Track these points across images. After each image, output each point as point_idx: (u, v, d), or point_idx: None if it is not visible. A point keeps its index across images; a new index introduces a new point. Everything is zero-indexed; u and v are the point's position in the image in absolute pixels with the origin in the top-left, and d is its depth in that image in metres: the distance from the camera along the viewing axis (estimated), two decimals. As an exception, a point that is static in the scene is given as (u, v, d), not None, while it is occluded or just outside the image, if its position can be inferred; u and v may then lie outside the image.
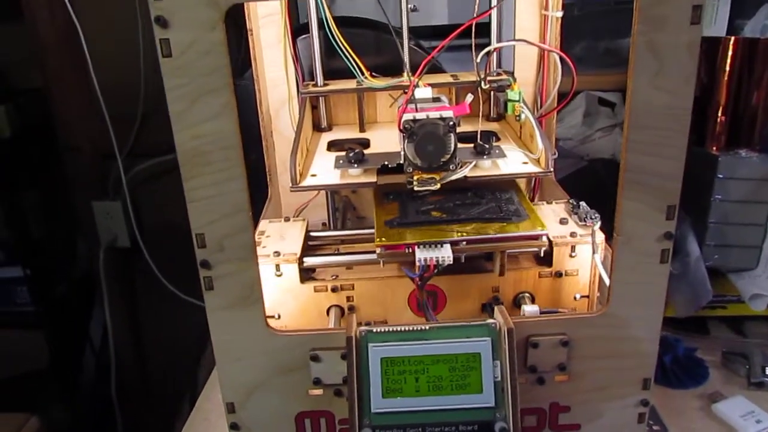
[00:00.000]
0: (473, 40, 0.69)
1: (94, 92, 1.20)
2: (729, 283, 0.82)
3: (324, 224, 0.82)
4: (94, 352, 1.48)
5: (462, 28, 0.64)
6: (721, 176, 0.79)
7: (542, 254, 0.62)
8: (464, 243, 0.57)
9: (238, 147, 0.48)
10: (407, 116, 0.58)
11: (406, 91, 0.65)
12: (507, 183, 0.66)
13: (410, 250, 0.56)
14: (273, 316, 0.62)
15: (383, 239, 0.57)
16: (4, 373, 1.37)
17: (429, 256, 0.55)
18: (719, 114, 0.82)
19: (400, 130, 0.58)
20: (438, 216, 0.60)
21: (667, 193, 0.50)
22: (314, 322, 0.62)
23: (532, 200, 0.80)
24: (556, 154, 0.80)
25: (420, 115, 0.58)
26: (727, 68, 0.80)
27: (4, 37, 1.24)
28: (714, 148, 0.83)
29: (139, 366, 1.48)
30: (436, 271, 0.55)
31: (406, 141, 0.59)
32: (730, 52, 0.80)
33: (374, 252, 0.58)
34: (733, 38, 0.80)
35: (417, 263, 0.55)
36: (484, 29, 0.74)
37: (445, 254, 0.55)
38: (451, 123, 0.59)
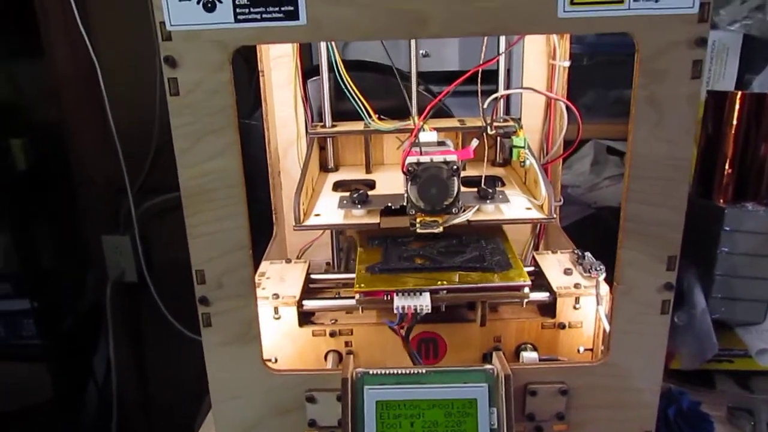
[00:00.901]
0: (479, 86, 0.70)
1: (109, 128, 1.22)
2: (736, 337, 0.81)
3: (328, 263, 0.82)
4: (97, 386, 1.47)
5: (468, 74, 0.65)
6: (727, 229, 0.79)
7: (546, 305, 0.61)
8: (444, 292, 0.57)
9: (241, 185, 0.49)
10: (411, 159, 0.59)
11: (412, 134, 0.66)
12: (494, 230, 0.66)
13: (389, 297, 0.56)
14: (270, 360, 0.61)
15: (362, 285, 0.57)
16: (7, 406, 1.37)
17: (407, 303, 0.54)
18: (726, 167, 0.82)
19: (404, 173, 0.59)
20: (420, 263, 0.60)
21: (667, 243, 0.50)
22: (311, 367, 0.61)
23: (537, 247, 0.79)
24: (562, 201, 0.80)
25: (424, 158, 0.59)
26: (735, 122, 0.80)
27: (24, 72, 1.27)
28: (721, 201, 0.82)
29: (141, 403, 1.47)
30: (415, 320, 0.55)
31: (409, 183, 0.59)
32: (737, 107, 0.80)
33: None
34: (740, 93, 0.80)
35: (395, 311, 0.55)
36: (492, 76, 0.76)
37: (423, 303, 0.54)
38: (455, 167, 0.59)
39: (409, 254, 0.62)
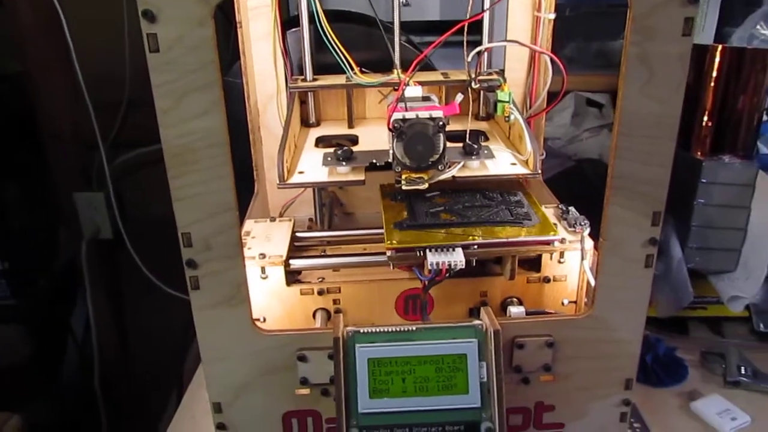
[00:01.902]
0: (465, 38, 0.69)
1: (77, 80, 1.18)
2: (709, 285, 0.84)
3: (311, 220, 0.81)
4: (77, 345, 1.46)
5: (456, 28, 0.64)
6: (704, 181, 0.80)
7: (531, 259, 0.62)
8: (476, 247, 0.56)
9: (226, 145, 0.47)
10: (397, 115, 0.58)
11: (396, 88, 0.65)
12: (514, 184, 0.66)
13: (421, 254, 0.55)
14: (258, 320, 0.61)
15: (394, 242, 0.56)
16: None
17: (441, 260, 0.54)
18: (705, 119, 0.83)
19: (389, 130, 0.58)
20: (448, 219, 0.60)
21: (653, 199, 0.51)
22: (300, 326, 0.62)
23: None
24: (545, 154, 0.80)
25: (410, 115, 0.58)
26: (714, 75, 0.81)
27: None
28: (699, 153, 0.83)
29: (123, 359, 1.47)
30: (448, 275, 0.55)
31: (395, 140, 0.58)
32: (717, 60, 0.80)
33: (361, 254, 0.57)
34: (720, 46, 0.81)
35: (428, 267, 0.54)
36: (476, 26, 0.74)
37: (457, 258, 0.54)
38: (441, 123, 0.58)
39: (434, 210, 0.61)
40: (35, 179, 1.39)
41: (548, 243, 0.58)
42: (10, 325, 1.37)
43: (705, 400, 0.70)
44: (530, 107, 0.77)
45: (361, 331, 0.51)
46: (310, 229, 0.81)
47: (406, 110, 0.59)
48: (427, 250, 0.55)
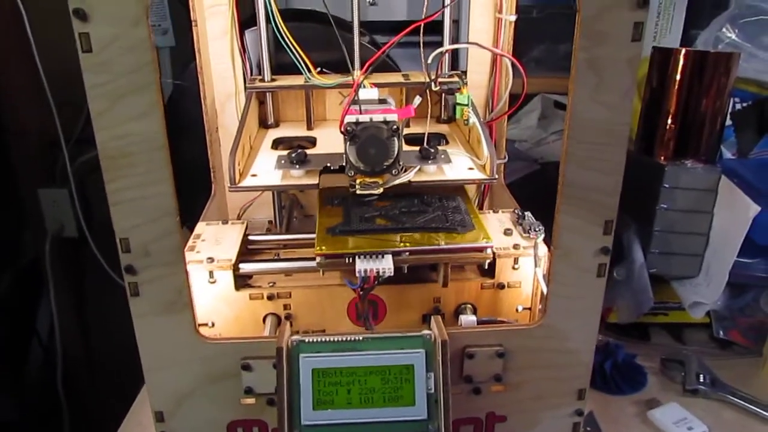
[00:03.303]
0: (421, 38, 0.68)
1: (38, 76, 1.15)
2: (671, 291, 0.83)
3: (270, 222, 0.80)
4: (41, 344, 1.43)
5: (412, 27, 0.62)
6: (666, 186, 0.80)
7: (486, 265, 0.61)
8: (407, 254, 0.55)
9: (164, 149, 0.46)
10: (350, 118, 0.57)
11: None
12: (455, 189, 0.65)
13: (350, 260, 0.54)
14: (207, 324, 0.60)
15: (323, 248, 0.55)
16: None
17: (369, 267, 0.53)
18: (669, 123, 0.82)
19: (342, 132, 0.57)
20: (382, 224, 0.59)
21: (604, 208, 0.50)
22: (250, 331, 0.60)
23: (481, 206, 0.79)
24: (506, 158, 0.80)
25: (363, 118, 0.57)
26: (678, 79, 0.80)
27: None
28: (662, 158, 0.83)
29: (86, 359, 1.44)
30: (377, 282, 0.54)
31: (348, 144, 0.57)
32: (681, 63, 0.80)
33: (314, 259, 0.56)
34: (684, 50, 0.80)
35: (357, 274, 0.53)
36: (439, 26, 0.73)
37: (386, 266, 0.53)
38: (395, 127, 0.57)
39: (370, 215, 0.60)
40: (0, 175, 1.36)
41: (481, 250, 0.56)
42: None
43: (663, 409, 0.70)
44: (492, 110, 0.76)
45: (306, 340, 0.50)
46: (269, 231, 0.79)
47: (360, 113, 0.57)
48: (357, 257, 0.54)
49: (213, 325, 0.60)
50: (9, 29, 1.15)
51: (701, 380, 0.73)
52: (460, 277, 0.61)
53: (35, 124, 1.25)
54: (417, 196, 0.63)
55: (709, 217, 0.81)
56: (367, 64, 0.59)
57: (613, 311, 0.83)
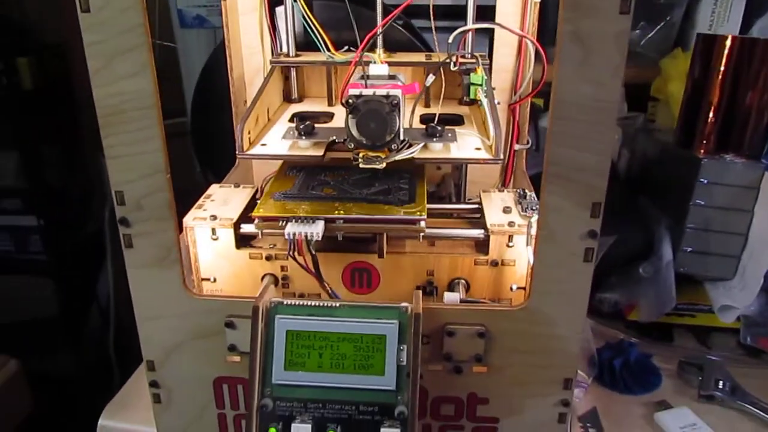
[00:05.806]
0: (432, 22, 0.68)
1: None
2: (701, 292, 0.79)
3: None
4: (100, 308, 1.53)
5: (404, 5, 0.62)
6: (703, 180, 0.75)
7: (481, 242, 0.60)
8: (341, 221, 0.56)
9: (155, 107, 0.48)
10: (353, 91, 0.57)
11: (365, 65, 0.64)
12: (416, 168, 0.65)
13: (284, 223, 0.56)
14: (209, 279, 0.62)
15: (261, 210, 0.57)
16: (16, 317, 1.44)
17: (298, 230, 0.54)
18: (710, 116, 0.78)
19: (342, 104, 0.58)
20: (326, 193, 0.60)
21: (591, 188, 0.48)
22: (249, 289, 0.62)
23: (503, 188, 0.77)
24: (530, 143, 0.78)
25: (366, 91, 0.57)
26: (722, 68, 0.76)
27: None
28: (701, 151, 0.78)
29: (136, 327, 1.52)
30: (310, 249, 0.55)
31: (349, 116, 0.58)
32: (726, 51, 0.75)
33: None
34: (730, 37, 0.75)
35: (286, 237, 0.55)
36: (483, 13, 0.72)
37: (315, 230, 0.54)
38: (395, 101, 0.57)
39: (319, 184, 0.62)
40: (72, 143, 1.46)
41: (414, 222, 0.56)
42: (40, 279, 1.45)
43: (672, 412, 0.67)
44: (516, 94, 0.75)
45: (284, 302, 0.51)
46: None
47: (366, 87, 0.58)
48: (288, 221, 0.55)
49: (215, 280, 0.62)
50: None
51: (719, 386, 0.68)
52: (454, 252, 0.60)
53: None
54: (372, 171, 0.64)
55: (749, 216, 0.76)
56: (366, 39, 0.59)
57: (635, 309, 0.79)
